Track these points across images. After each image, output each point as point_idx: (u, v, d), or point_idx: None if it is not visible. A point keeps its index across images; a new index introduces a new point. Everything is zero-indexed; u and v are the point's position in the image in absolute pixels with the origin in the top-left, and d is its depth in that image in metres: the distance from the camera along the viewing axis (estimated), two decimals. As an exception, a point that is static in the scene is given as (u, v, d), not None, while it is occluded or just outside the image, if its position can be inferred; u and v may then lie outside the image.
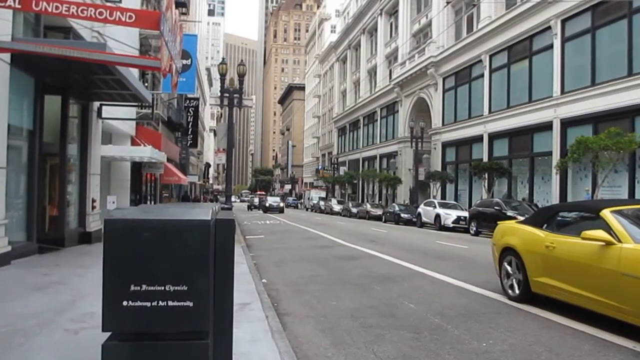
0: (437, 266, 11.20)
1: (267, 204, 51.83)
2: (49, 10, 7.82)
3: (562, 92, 23.68)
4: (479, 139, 30.98)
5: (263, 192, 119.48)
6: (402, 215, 31.96)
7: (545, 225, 7.12)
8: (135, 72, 15.16)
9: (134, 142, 20.48)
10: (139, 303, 2.85)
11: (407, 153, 40.79)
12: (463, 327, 5.99)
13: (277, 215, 44.41)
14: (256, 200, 66.54)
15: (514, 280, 7.42)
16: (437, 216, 26.52)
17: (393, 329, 5.93)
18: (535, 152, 26.11)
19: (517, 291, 7.32)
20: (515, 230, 7.75)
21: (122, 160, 19.15)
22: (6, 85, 8.97)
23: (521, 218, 18.40)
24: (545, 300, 6.85)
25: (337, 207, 48.55)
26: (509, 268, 7.57)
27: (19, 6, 7.86)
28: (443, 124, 36.24)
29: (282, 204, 53.03)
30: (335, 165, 64.19)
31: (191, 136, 42.66)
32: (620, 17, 20.62)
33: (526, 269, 7.04)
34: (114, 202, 15.89)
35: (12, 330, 5.12)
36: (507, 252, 7.61)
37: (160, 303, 2.88)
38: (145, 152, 18.84)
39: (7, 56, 8.86)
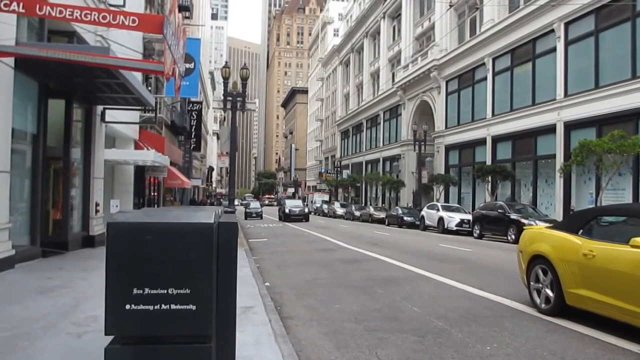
0: (441, 269, 11.18)
1: (286, 210, 38.33)
2: (53, 14, 7.84)
3: (566, 95, 23.63)
4: (482, 141, 30.95)
5: (272, 196, 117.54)
6: (405, 218, 31.93)
7: (580, 231, 6.48)
8: (138, 75, 15.19)
9: (137, 146, 20.52)
10: (141, 306, 2.85)
11: (410, 156, 40.75)
12: (467, 330, 5.97)
13: (292, 223, 35.00)
14: (255, 204, 47.66)
15: (545, 291, 6.77)
16: (441, 219, 26.47)
17: (397, 332, 5.91)
18: (539, 155, 26.05)
19: (549, 303, 6.68)
20: (545, 237, 7.08)
21: (125, 164, 19.17)
22: (10, 90, 9.00)
23: (525, 221, 18.43)
24: (582, 314, 6.26)
25: (340, 211, 48.48)
26: (539, 278, 6.93)
27: (23, 10, 7.89)
28: (446, 127, 36.22)
29: (306, 209, 40.38)
30: (339, 169, 64.13)
31: (194, 140, 42.76)
32: (624, 19, 20.60)
33: (560, 279, 6.39)
34: (117, 206, 15.90)
35: (16, 334, 5.13)
36: (537, 261, 6.96)
37: (163, 306, 2.87)
38: (148, 156, 18.86)
39: (11, 60, 8.89)
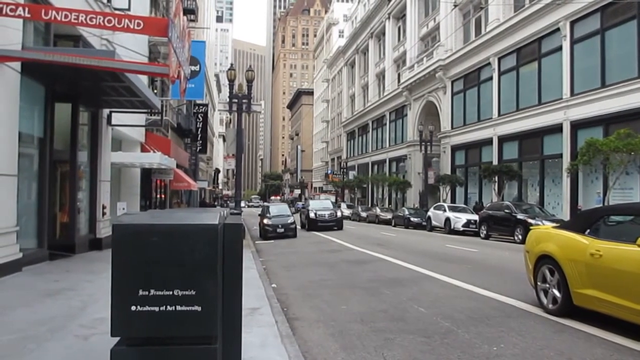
0: (447, 270, 11.14)
1: (312, 214, 28.04)
2: (59, 18, 7.90)
3: (572, 94, 23.52)
4: (488, 142, 30.85)
5: (278, 197, 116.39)
6: (412, 219, 31.85)
7: (588, 230, 6.43)
8: (144, 78, 15.25)
9: (143, 149, 20.59)
10: (147, 308, 2.87)
11: (417, 157, 40.69)
12: (474, 331, 5.95)
13: (321, 232, 26.00)
14: (279, 209, 25.93)
15: (552, 291, 6.71)
16: (447, 220, 26.39)
17: (403, 333, 5.91)
18: (546, 154, 25.93)
19: (556, 304, 6.62)
20: (552, 237, 7.03)
21: (132, 167, 19.25)
22: (17, 94, 9.05)
23: (532, 221, 18.35)
24: (589, 314, 6.19)
25: (346, 212, 48.33)
26: (546, 278, 6.87)
27: (29, 15, 7.96)
28: (452, 127, 36.13)
29: (339, 213, 29.61)
30: (345, 170, 64.15)
31: (200, 142, 42.78)
32: (630, 17, 20.47)
33: (567, 279, 6.34)
34: (124, 209, 15.96)
35: (24, 337, 5.16)
36: (544, 261, 6.91)
37: (169, 308, 2.89)
38: (154, 159, 18.94)
39: (17, 65, 8.95)
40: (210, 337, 3.02)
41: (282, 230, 22.48)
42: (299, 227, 26.11)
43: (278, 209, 25.35)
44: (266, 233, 22.45)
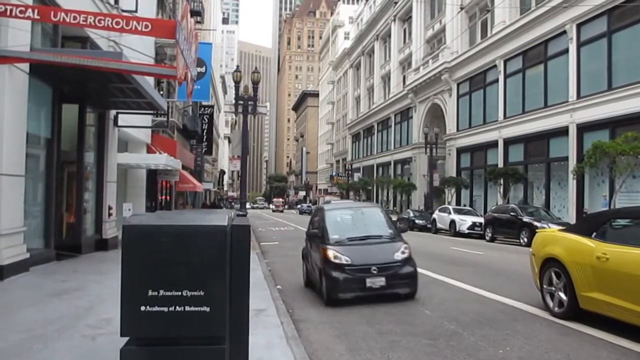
0: (452, 272, 11.13)
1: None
2: (67, 20, 7.95)
3: (578, 96, 23.44)
4: (494, 144, 30.78)
5: (280, 199, 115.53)
6: (417, 221, 31.77)
7: (594, 233, 6.43)
8: (150, 80, 15.31)
9: (149, 150, 20.66)
10: (156, 308, 2.89)
11: (422, 159, 40.63)
12: (479, 333, 5.95)
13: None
14: (357, 220, 9.20)
15: (558, 294, 6.69)
16: (452, 222, 26.34)
17: (408, 335, 5.91)
18: (552, 157, 25.85)
19: (562, 307, 6.61)
20: (558, 239, 7.03)
21: (138, 168, 19.32)
22: (25, 95, 9.11)
23: (537, 224, 18.30)
24: (595, 318, 6.16)
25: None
26: (552, 281, 6.85)
27: (38, 17, 8.01)
28: (457, 130, 36.06)
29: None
30: (350, 172, 64.17)
31: (206, 143, 42.85)
32: (637, 21, 20.37)
33: (573, 282, 6.34)
34: (130, 210, 16.01)
35: (31, 336, 5.19)
36: (550, 264, 6.89)
37: (178, 308, 2.91)
38: (160, 160, 19.00)
39: (26, 66, 9.00)
40: (218, 337, 3.04)
41: (382, 281, 7.85)
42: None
43: (357, 221, 9.40)
44: (335, 287, 7.80)
